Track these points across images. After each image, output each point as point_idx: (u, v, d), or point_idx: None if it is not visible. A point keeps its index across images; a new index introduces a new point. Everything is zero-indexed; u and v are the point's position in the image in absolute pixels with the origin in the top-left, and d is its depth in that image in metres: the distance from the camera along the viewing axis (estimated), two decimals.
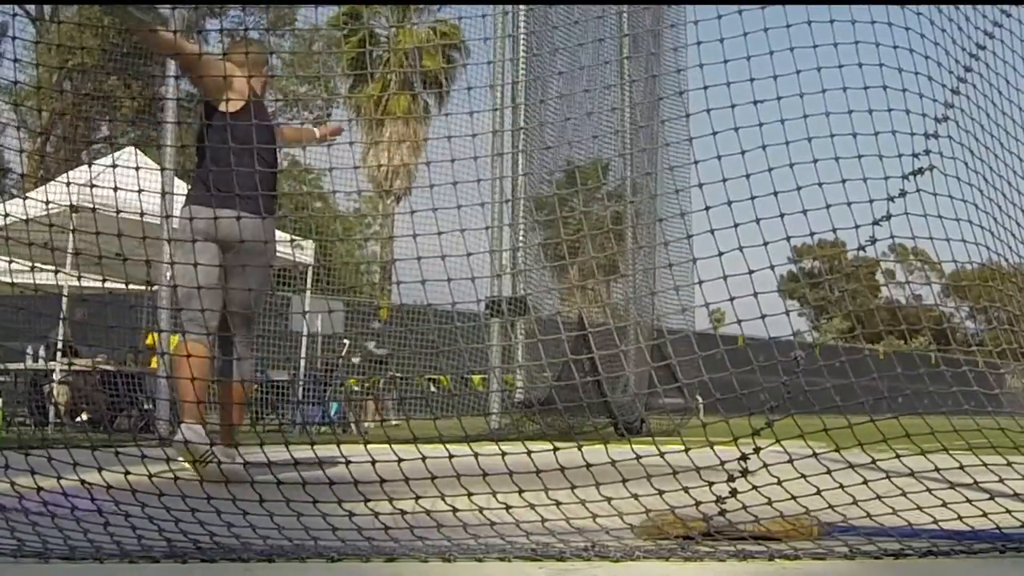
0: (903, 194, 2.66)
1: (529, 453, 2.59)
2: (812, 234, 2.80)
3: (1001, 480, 2.71)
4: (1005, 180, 2.97)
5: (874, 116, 2.76)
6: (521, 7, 9.96)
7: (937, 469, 2.68)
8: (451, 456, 2.60)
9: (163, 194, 4.23)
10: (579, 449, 2.64)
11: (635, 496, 2.56)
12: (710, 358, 3.08)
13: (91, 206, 3.09)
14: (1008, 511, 2.54)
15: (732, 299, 2.79)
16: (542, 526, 2.49)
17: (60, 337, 10.55)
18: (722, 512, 2.46)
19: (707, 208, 2.80)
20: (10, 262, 5.22)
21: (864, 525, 2.48)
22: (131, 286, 3.11)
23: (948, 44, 2.85)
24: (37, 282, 3.29)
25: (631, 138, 9.36)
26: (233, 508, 2.50)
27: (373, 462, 2.61)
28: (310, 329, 12.89)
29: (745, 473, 2.56)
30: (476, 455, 2.57)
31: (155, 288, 8.54)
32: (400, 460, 2.59)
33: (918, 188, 2.67)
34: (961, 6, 2.92)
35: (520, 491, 2.56)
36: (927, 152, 2.68)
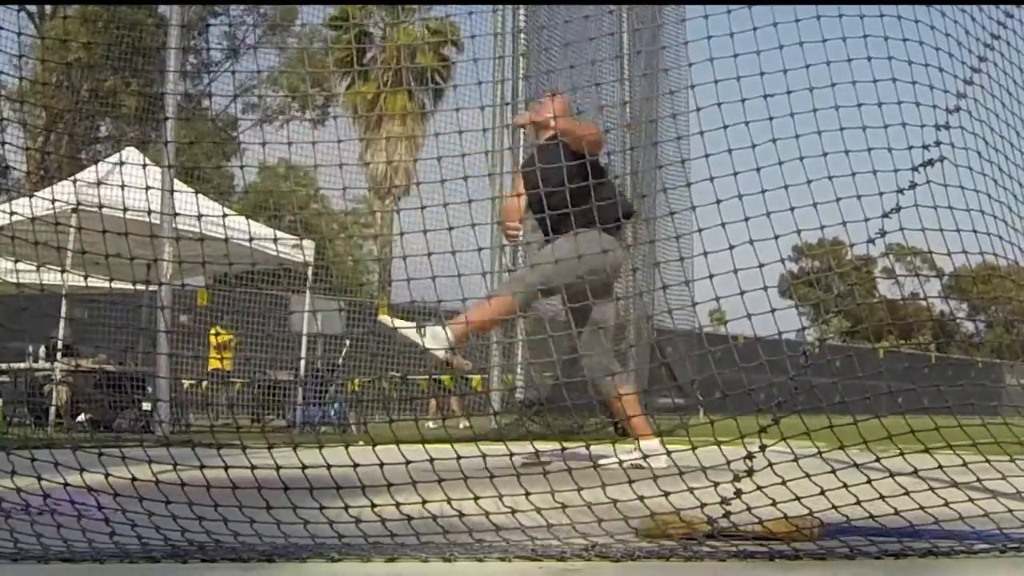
0: (913, 186, 2.66)
1: (537, 453, 2.59)
2: (822, 227, 2.79)
3: (1004, 477, 2.71)
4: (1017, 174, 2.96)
5: (883, 109, 2.76)
6: (521, 5, 9.95)
7: (940, 467, 2.68)
8: (459, 457, 2.60)
9: (172, 192, 4.21)
10: (582, 447, 2.63)
11: (641, 498, 2.56)
12: (710, 357, 3.08)
13: (92, 207, 3.09)
14: (1010, 511, 2.54)
15: (742, 292, 2.79)
16: (545, 526, 2.49)
17: (60, 337, 10.54)
18: (726, 514, 2.46)
19: (718, 201, 2.80)
20: (15, 261, 5.21)
21: (866, 525, 2.47)
22: (129, 285, 3.11)
23: (962, 35, 2.84)
24: (38, 282, 3.29)
25: (633, 134, 9.34)
26: (237, 510, 2.50)
27: (381, 464, 2.60)
28: (311, 329, 12.88)
29: (750, 472, 2.56)
30: (484, 456, 2.56)
31: (153, 288, 8.53)
32: (408, 462, 2.59)
33: (928, 180, 2.67)
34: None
35: (527, 493, 2.56)
36: (938, 143, 2.68)
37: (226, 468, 2.57)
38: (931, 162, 2.68)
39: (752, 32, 2.86)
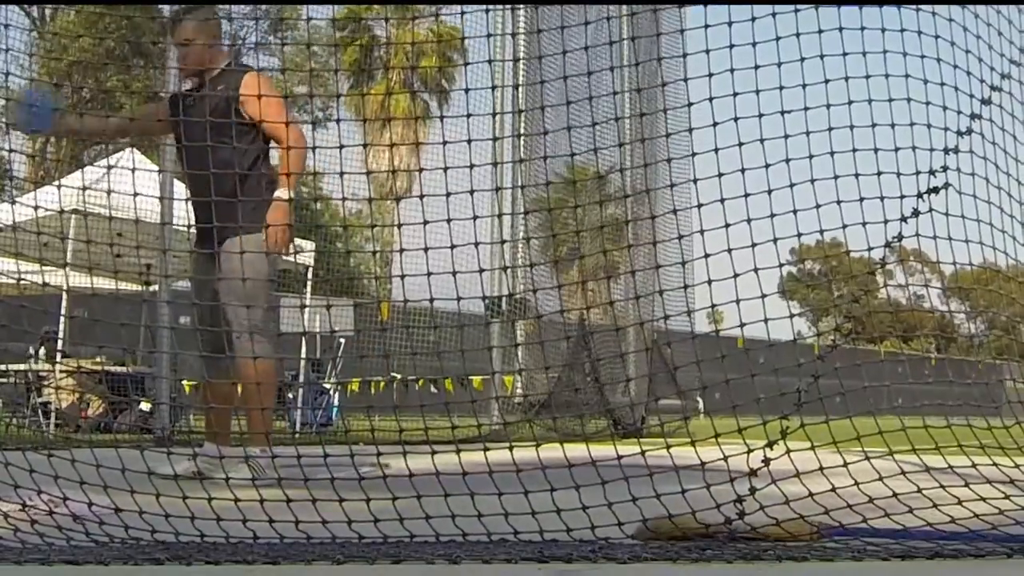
0: (916, 213, 2.66)
1: (543, 461, 2.59)
2: (820, 245, 2.79)
3: (1013, 478, 2.70)
4: None
5: (896, 130, 2.74)
6: (521, 8, 9.91)
7: (950, 467, 2.68)
8: (464, 468, 2.59)
9: (162, 197, 4.20)
10: (588, 447, 2.62)
11: (645, 512, 2.55)
12: (712, 360, 3.07)
13: (94, 209, 3.08)
14: (1018, 522, 2.54)
15: (737, 298, 2.79)
16: (551, 529, 2.48)
17: (60, 337, 10.52)
18: (732, 519, 2.45)
19: (726, 226, 2.79)
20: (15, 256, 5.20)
21: (872, 526, 2.47)
22: (131, 286, 3.10)
23: (984, 51, 2.81)
24: (36, 282, 3.28)
25: (647, 148, 9.31)
26: (237, 512, 2.49)
27: (385, 471, 2.60)
28: (307, 330, 12.83)
29: (754, 473, 2.55)
30: (489, 464, 2.55)
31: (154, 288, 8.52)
32: (412, 474, 2.58)
33: (931, 208, 2.66)
34: (1003, 9, 2.86)
35: (527, 492, 2.55)
36: (945, 169, 2.67)
37: (227, 480, 2.56)
38: (935, 190, 2.68)
39: (775, 42, 2.80)
